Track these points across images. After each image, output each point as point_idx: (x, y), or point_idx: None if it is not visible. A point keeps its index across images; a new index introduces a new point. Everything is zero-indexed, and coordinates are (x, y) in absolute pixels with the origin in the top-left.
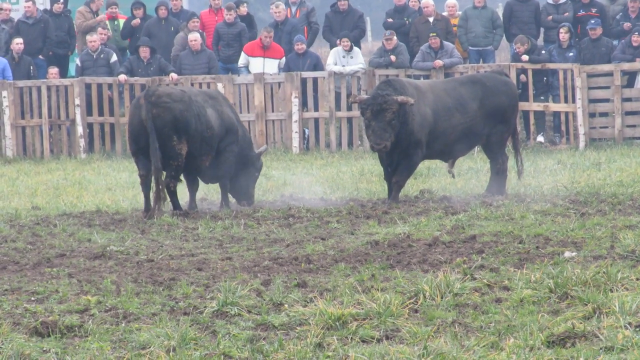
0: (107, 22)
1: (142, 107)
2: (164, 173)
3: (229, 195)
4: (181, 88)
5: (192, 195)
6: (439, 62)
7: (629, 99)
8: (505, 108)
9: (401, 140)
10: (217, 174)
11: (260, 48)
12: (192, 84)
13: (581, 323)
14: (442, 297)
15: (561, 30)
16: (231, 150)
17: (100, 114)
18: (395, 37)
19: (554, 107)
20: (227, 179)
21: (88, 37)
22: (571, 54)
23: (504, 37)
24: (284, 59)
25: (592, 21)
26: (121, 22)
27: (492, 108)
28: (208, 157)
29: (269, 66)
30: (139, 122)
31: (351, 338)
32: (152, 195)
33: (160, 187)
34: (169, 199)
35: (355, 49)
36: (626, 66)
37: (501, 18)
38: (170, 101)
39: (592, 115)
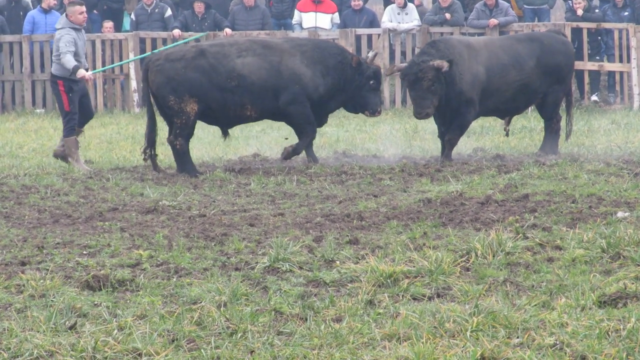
0: None
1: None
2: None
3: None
4: (196, 45)
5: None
6: (493, 21)
7: None
8: (562, 67)
9: (451, 100)
10: (293, 126)
11: (312, 2)
12: None
13: (633, 283)
14: (493, 256)
15: None
16: (300, 102)
17: None
18: None
19: (608, 66)
20: (305, 129)
21: None
22: (626, 14)
23: None
24: (336, 13)
25: None
26: None
27: (549, 67)
28: (246, 106)
29: (322, 21)
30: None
31: (402, 295)
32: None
33: (146, 148)
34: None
35: (410, 5)
36: None
37: None
38: (163, 62)
39: None
